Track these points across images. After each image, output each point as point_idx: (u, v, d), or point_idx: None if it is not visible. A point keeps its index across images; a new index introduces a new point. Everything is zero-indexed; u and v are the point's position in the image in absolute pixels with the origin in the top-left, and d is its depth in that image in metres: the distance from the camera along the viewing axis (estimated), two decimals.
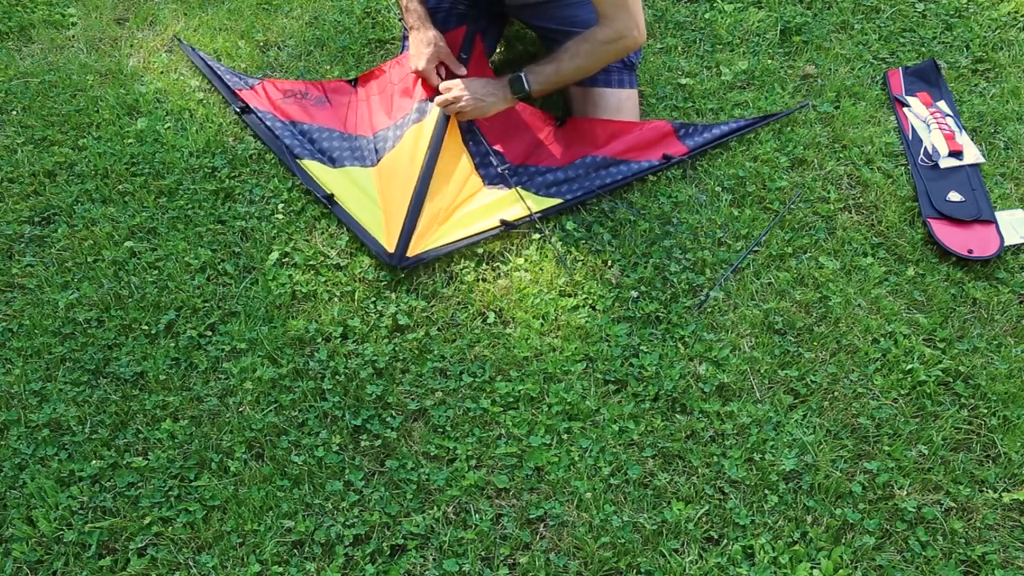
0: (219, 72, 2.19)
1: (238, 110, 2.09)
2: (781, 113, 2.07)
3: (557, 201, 1.86)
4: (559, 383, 1.60)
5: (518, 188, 1.85)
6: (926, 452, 1.51)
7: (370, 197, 1.86)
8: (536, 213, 1.82)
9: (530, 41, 2.26)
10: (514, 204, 1.84)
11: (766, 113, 2.08)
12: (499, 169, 1.88)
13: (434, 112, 1.87)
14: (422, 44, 1.93)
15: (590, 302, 1.73)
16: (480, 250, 1.80)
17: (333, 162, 1.95)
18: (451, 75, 1.92)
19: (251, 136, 2.07)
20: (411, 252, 1.75)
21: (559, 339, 1.67)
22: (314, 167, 1.93)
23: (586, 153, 1.93)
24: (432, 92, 1.91)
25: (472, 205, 1.84)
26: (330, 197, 1.87)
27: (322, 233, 1.86)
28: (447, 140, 1.85)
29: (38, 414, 1.57)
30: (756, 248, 1.83)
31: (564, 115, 2.03)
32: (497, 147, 1.92)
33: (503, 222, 1.81)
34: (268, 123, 2.03)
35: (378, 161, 1.92)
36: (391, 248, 1.75)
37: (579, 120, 2.00)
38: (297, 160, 1.95)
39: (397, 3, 2.16)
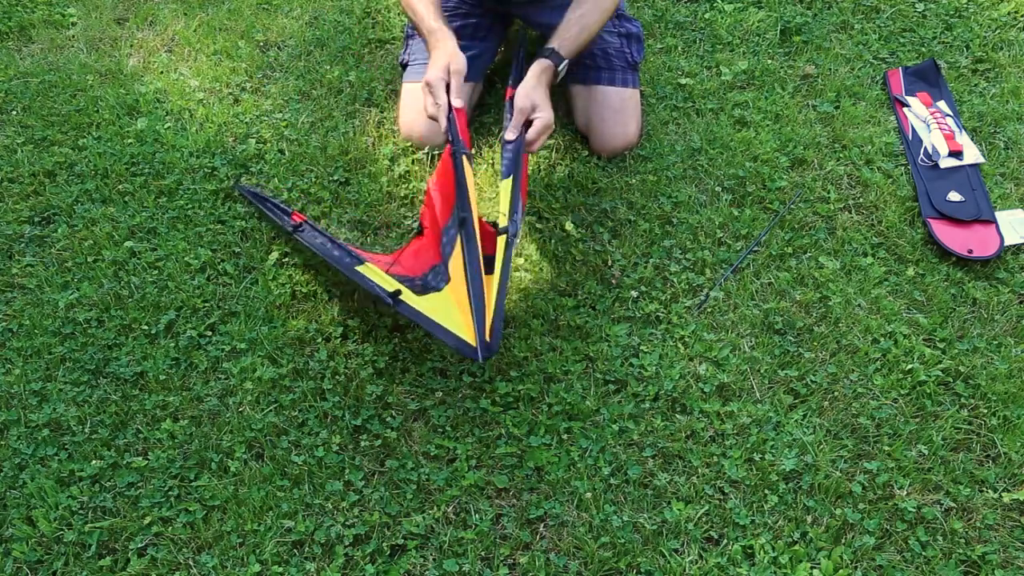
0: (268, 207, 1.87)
1: (290, 229, 1.77)
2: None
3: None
4: (559, 383, 1.60)
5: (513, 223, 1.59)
6: (926, 452, 1.51)
7: (449, 304, 1.53)
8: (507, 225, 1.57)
9: (530, 42, 2.26)
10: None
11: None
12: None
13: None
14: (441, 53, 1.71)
15: (590, 302, 1.73)
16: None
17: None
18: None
19: (252, 137, 2.08)
20: (489, 337, 1.45)
21: (559, 339, 1.67)
22: (373, 271, 1.58)
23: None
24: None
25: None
26: (396, 294, 1.52)
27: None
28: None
29: (38, 414, 1.57)
30: (756, 248, 1.83)
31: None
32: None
33: (493, 224, 1.60)
34: (320, 240, 1.73)
35: (449, 277, 1.58)
36: (473, 342, 1.44)
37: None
38: (356, 267, 1.61)
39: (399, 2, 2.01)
